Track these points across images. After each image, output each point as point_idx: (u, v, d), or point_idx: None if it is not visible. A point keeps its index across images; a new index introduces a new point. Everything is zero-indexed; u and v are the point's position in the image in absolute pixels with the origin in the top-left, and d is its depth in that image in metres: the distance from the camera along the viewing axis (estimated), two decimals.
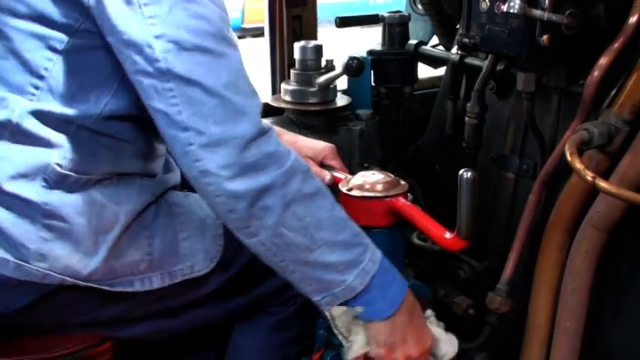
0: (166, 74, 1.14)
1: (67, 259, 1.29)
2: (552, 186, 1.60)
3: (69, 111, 1.25)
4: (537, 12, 1.36)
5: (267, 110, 2.02)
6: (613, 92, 1.41)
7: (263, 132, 1.18)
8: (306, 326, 1.60)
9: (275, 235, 1.21)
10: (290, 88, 1.96)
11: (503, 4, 1.41)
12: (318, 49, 1.94)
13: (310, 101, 1.94)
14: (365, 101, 2.11)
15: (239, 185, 1.16)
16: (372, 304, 1.29)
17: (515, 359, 1.66)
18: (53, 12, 1.20)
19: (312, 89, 1.93)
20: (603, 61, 1.40)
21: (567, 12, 1.38)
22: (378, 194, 1.44)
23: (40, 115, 1.25)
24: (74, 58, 1.23)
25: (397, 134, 2.24)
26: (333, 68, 1.96)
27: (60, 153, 1.27)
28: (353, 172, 1.78)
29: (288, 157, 1.21)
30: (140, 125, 1.33)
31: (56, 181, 1.27)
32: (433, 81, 2.41)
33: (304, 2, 2.13)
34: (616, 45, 1.40)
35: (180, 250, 1.41)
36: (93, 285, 1.32)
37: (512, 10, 1.35)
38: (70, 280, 1.30)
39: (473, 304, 1.67)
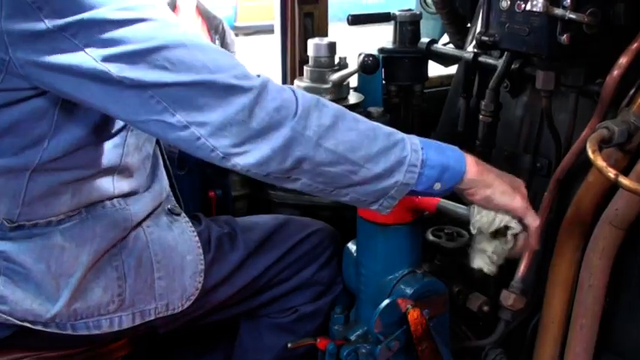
0: (137, 87, 1.08)
1: (27, 303, 1.26)
2: (565, 184, 1.61)
3: (9, 162, 1.20)
4: (559, 11, 1.37)
5: None
6: (632, 91, 1.42)
7: (260, 91, 1.12)
8: (310, 330, 1.61)
9: (316, 174, 1.18)
10: (303, 84, 1.96)
11: (525, 3, 1.43)
12: (332, 47, 1.95)
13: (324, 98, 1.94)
14: (376, 99, 2.12)
15: (263, 151, 1.12)
16: (442, 174, 1.23)
17: (530, 356, 1.67)
18: None
19: (326, 86, 1.93)
20: (623, 60, 1.42)
21: (588, 11, 1.39)
22: None
23: None
24: None
25: (406, 132, 2.25)
26: (346, 66, 1.96)
27: (7, 209, 1.24)
28: None
29: (294, 99, 1.15)
30: (99, 150, 1.28)
31: (9, 231, 1.24)
32: (441, 79, 2.43)
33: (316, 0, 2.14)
34: (635, 45, 1.41)
35: (155, 290, 1.37)
36: (53, 330, 1.30)
37: (535, 9, 1.36)
38: (30, 325, 1.28)
39: (487, 300, 1.68)
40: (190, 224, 1.47)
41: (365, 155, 1.18)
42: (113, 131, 1.29)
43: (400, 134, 1.23)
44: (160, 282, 1.37)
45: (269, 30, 2.64)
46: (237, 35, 8.66)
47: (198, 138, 1.11)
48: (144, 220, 1.39)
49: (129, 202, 1.36)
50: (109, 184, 1.32)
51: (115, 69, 1.06)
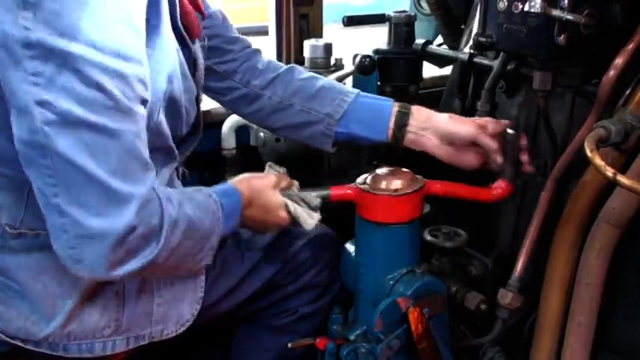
0: (45, 149, 0.99)
1: (21, 322, 1.24)
2: (562, 183, 1.63)
3: (8, 170, 1.17)
4: (556, 12, 1.38)
5: None
6: (628, 91, 1.44)
7: (143, 219, 1.07)
8: (309, 330, 1.61)
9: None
10: None
11: (522, 4, 1.43)
12: (328, 48, 1.96)
13: None
14: None
15: (117, 272, 1.08)
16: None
17: (528, 353, 1.68)
18: None
19: None
20: (619, 60, 1.43)
21: (585, 12, 1.40)
22: (413, 188, 1.51)
23: None
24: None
25: None
26: (342, 67, 1.97)
27: (9, 213, 1.21)
28: (361, 168, 1.81)
29: (163, 223, 1.10)
30: None
31: (11, 239, 1.22)
32: (434, 80, 2.44)
33: (311, 1, 2.14)
34: (631, 45, 1.43)
35: (153, 316, 1.36)
36: (44, 351, 1.27)
37: (532, 10, 1.37)
38: (21, 344, 1.26)
39: (485, 299, 1.69)
40: None
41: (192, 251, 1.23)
42: None
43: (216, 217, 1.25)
44: (159, 309, 1.36)
45: (255, 32, 2.64)
46: None
47: (66, 231, 1.03)
48: None
49: None
50: None
51: (41, 117, 0.97)
